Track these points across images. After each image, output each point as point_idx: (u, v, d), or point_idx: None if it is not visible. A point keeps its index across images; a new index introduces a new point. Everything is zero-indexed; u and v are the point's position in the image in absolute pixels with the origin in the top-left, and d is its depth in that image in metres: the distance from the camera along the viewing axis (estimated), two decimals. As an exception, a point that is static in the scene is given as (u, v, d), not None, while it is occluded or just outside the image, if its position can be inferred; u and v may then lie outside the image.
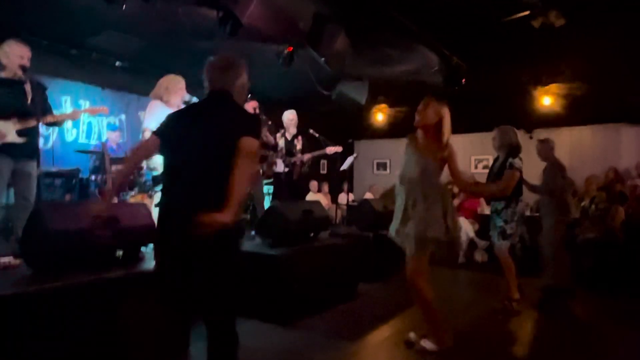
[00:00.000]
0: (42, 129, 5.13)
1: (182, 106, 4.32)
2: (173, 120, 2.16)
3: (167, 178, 2.12)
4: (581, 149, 8.27)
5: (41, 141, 5.65)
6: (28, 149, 3.58)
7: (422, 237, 2.82)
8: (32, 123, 3.52)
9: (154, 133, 2.13)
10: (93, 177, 5.33)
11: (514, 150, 4.04)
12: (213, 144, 1.97)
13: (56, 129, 6.22)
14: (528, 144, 5.65)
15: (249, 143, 1.92)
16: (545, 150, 4.63)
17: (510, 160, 3.95)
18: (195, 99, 4.09)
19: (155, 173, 4.33)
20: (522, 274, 4.10)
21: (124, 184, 2.08)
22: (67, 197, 5.36)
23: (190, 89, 4.36)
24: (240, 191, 1.86)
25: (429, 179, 2.89)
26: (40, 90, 3.73)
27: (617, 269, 4.84)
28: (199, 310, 2.04)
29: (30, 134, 3.58)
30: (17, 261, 2.74)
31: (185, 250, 1.94)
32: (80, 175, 5.50)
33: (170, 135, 2.08)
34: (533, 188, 4.63)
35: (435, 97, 3.01)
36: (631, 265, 4.82)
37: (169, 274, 2.03)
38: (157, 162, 4.26)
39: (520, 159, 4.00)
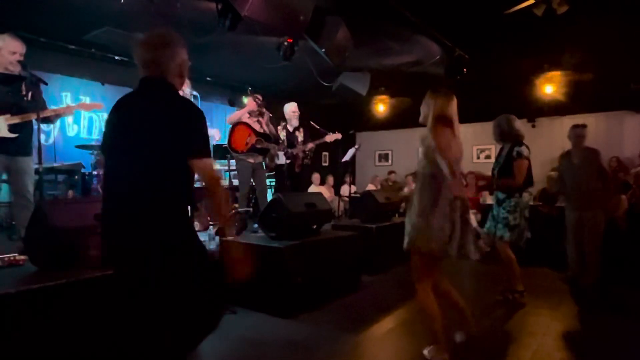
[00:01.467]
0: (43, 125, 5.15)
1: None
2: (110, 120, 1.92)
3: (106, 183, 1.91)
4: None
5: (42, 137, 5.64)
6: (21, 145, 3.55)
7: (411, 235, 2.69)
8: (25, 118, 3.50)
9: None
10: (95, 172, 5.34)
11: (507, 137, 3.99)
12: (152, 145, 1.78)
13: (57, 124, 6.24)
14: (530, 133, 5.62)
15: (203, 166, 1.82)
16: (581, 136, 4.46)
17: (516, 149, 3.89)
18: (195, 93, 4.07)
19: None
20: (525, 265, 4.09)
21: None
22: (70, 192, 5.38)
23: (190, 83, 4.35)
24: (225, 209, 1.91)
25: (424, 175, 2.74)
26: (35, 86, 3.69)
27: (621, 258, 4.81)
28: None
29: (24, 130, 3.55)
30: (22, 257, 2.75)
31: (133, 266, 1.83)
32: (83, 171, 5.51)
33: (108, 135, 1.90)
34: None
35: (436, 89, 2.92)
36: (635, 254, 4.80)
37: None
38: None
39: (527, 147, 3.95)
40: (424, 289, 2.70)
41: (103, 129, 1.93)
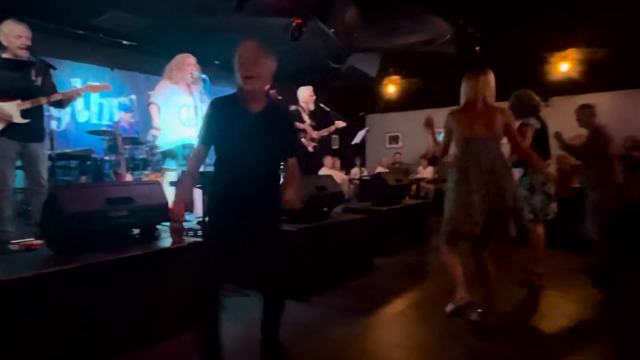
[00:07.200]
0: (54, 111, 5.17)
1: (191, 83, 4.27)
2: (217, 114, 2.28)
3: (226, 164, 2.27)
4: (600, 116, 8.05)
5: (54, 123, 5.69)
6: (34, 130, 3.57)
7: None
8: (35, 103, 3.51)
9: (202, 143, 2.28)
10: (107, 158, 5.37)
11: (519, 112, 3.92)
12: (267, 138, 2.24)
13: (68, 110, 6.27)
14: (544, 111, 5.44)
15: (294, 164, 2.39)
16: (585, 116, 4.37)
17: (524, 119, 3.86)
18: (204, 76, 4.03)
19: (163, 149, 4.34)
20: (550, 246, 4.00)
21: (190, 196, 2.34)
22: (83, 178, 5.43)
23: (199, 65, 4.31)
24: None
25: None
26: (44, 70, 3.69)
27: (636, 239, 4.73)
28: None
29: (35, 115, 3.56)
30: (38, 242, 2.80)
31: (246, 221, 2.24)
32: (94, 156, 5.55)
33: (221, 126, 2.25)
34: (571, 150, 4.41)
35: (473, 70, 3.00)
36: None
37: (227, 247, 2.23)
38: (164, 141, 4.28)
39: (538, 119, 3.87)
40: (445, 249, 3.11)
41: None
